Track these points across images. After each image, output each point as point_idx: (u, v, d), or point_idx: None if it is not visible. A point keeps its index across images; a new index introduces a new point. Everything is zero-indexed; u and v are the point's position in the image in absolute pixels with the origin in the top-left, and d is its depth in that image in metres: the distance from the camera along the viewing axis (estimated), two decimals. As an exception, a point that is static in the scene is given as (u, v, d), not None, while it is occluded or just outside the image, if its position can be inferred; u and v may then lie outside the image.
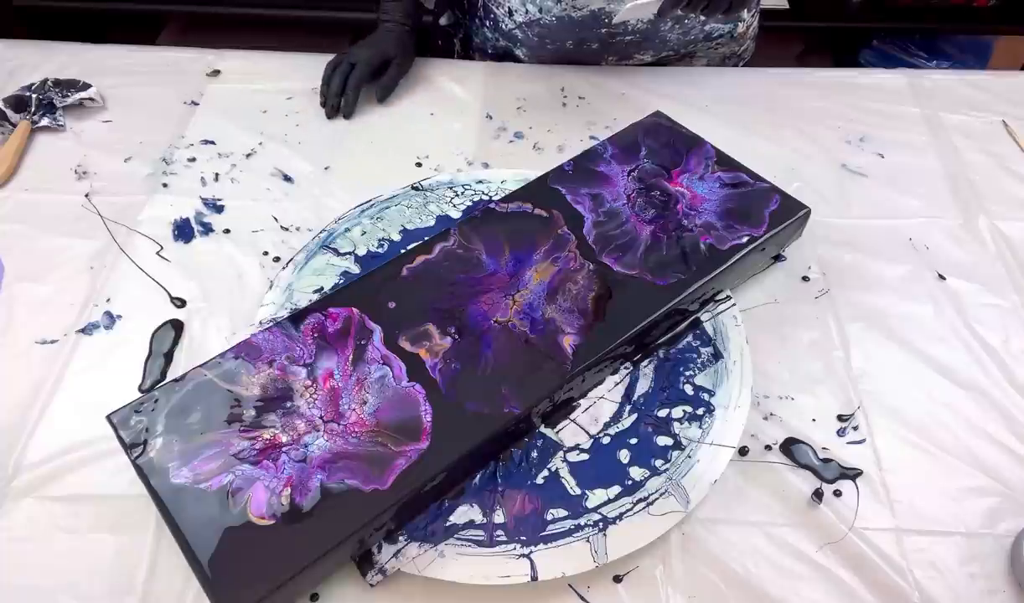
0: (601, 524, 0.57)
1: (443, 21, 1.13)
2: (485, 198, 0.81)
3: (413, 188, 0.82)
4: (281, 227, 0.80)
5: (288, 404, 0.58)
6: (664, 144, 0.80)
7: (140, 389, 0.66)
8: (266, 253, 0.77)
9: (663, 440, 0.62)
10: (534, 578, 0.54)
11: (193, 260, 0.76)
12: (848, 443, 0.64)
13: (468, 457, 0.57)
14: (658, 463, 0.60)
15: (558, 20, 0.95)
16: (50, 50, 1.02)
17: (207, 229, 0.79)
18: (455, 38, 1.13)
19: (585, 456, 0.61)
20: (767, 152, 0.88)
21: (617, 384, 0.65)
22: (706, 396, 0.64)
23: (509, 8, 0.97)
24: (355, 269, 0.74)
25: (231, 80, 0.98)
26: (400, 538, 0.56)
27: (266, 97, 0.95)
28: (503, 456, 0.60)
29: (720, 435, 0.62)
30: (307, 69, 0.96)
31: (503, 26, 1.01)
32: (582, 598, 0.55)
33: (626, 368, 0.66)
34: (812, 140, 0.91)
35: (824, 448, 0.63)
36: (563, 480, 0.59)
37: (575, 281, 0.67)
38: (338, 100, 0.93)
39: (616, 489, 0.59)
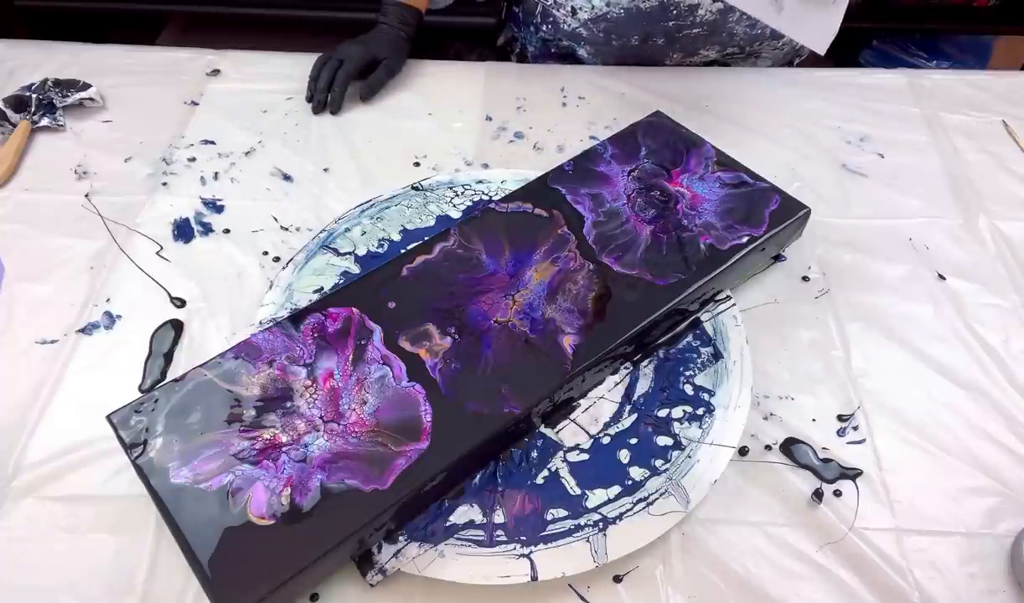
0: (601, 524, 0.57)
1: (500, 41, 1.14)
2: (485, 198, 0.81)
3: (413, 188, 0.82)
4: (281, 227, 0.80)
5: (288, 404, 0.58)
6: (664, 144, 0.80)
7: (140, 389, 0.66)
8: (266, 253, 0.77)
9: (663, 440, 0.62)
10: (534, 578, 0.54)
11: (193, 260, 0.76)
12: (848, 443, 0.64)
13: (468, 457, 0.57)
14: (658, 463, 0.60)
15: (626, 12, 0.95)
16: (50, 50, 1.02)
17: (207, 229, 0.79)
18: (511, 54, 1.15)
19: (585, 456, 0.61)
20: (767, 152, 0.88)
21: (617, 384, 0.65)
22: (706, 396, 0.64)
23: (572, 7, 0.97)
24: (355, 269, 0.74)
25: (231, 80, 0.98)
26: (400, 538, 0.56)
27: (266, 97, 0.95)
28: (503, 456, 0.60)
29: (720, 435, 0.62)
30: (307, 69, 0.95)
31: (565, 27, 1.01)
32: (582, 598, 0.55)
33: (626, 368, 0.66)
34: (812, 140, 0.91)
35: (824, 448, 0.63)
36: (563, 480, 0.59)
37: (575, 281, 0.67)
38: (325, 96, 0.93)
39: (616, 489, 0.59)
